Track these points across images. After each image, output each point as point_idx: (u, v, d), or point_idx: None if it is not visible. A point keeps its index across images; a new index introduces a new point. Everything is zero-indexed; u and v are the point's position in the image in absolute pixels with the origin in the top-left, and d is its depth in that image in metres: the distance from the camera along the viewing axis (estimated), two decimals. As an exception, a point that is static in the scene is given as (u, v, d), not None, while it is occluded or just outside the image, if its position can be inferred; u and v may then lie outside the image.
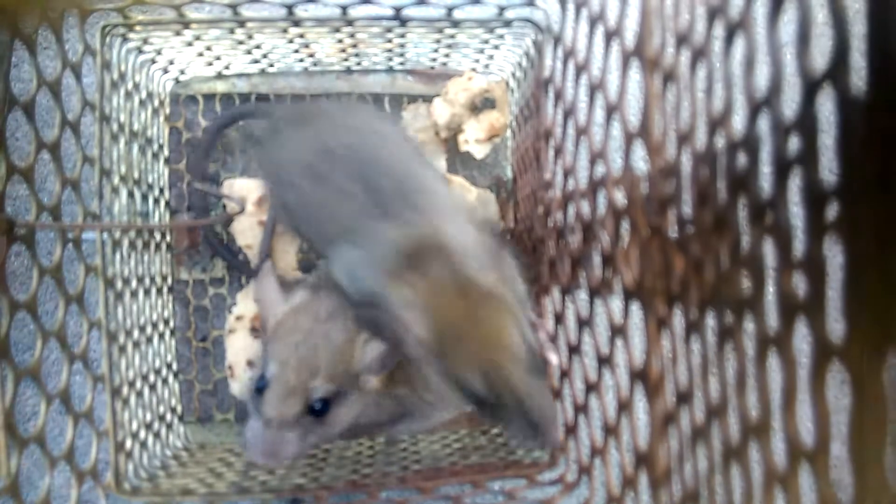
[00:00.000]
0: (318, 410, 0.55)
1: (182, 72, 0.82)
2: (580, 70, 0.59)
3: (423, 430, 0.72)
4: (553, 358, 0.64)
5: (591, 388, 0.58)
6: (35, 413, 0.53)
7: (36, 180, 0.54)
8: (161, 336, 0.78)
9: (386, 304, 0.52)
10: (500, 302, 0.51)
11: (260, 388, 0.56)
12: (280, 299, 0.61)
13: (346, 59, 0.82)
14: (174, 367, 0.82)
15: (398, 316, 0.51)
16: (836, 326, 0.29)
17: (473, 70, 0.84)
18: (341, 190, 0.58)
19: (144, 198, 0.75)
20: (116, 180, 0.68)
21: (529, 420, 0.49)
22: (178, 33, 0.71)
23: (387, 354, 0.56)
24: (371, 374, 0.57)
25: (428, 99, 0.84)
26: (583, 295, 0.58)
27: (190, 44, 0.74)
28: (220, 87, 0.84)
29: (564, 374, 0.65)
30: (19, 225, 0.51)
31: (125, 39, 0.71)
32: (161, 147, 0.82)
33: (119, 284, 0.68)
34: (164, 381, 0.78)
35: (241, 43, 0.75)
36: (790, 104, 0.32)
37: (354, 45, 0.78)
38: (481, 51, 0.80)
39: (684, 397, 0.43)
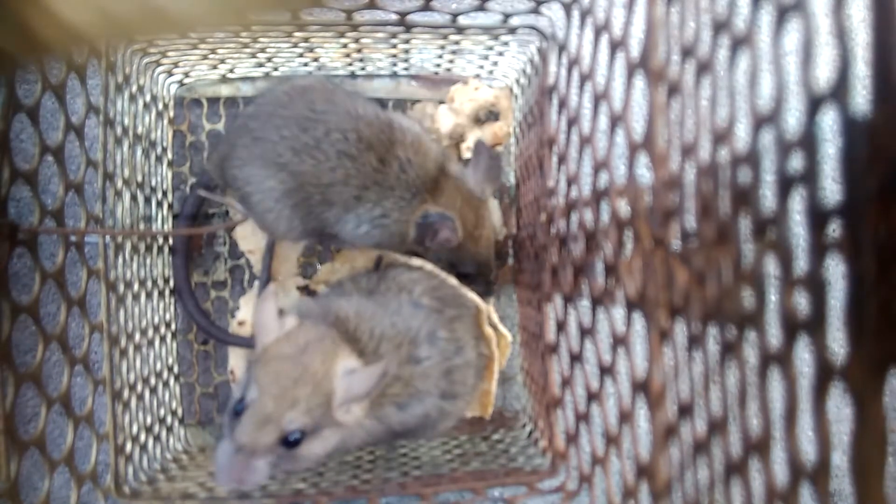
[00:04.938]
0: (291, 442, 0.55)
1: (187, 75, 0.82)
2: (584, 79, 0.59)
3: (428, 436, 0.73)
4: None
5: (592, 396, 0.58)
6: (36, 415, 0.53)
7: (39, 183, 0.54)
8: (162, 339, 0.78)
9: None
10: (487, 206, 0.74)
11: (238, 410, 0.56)
12: (276, 325, 0.61)
13: (350, 64, 0.82)
14: (175, 369, 0.82)
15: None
16: (838, 335, 0.28)
17: (477, 76, 0.84)
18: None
19: (147, 201, 0.75)
20: (120, 184, 0.68)
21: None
22: (183, 35, 0.71)
23: (366, 378, 0.57)
24: (354, 402, 0.58)
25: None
26: (585, 303, 0.58)
27: (195, 46, 0.74)
28: (225, 90, 0.85)
29: (566, 381, 0.65)
30: (23, 231, 0.51)
31: (130, 42, 0.71)
32: (165, 150, 0.82)
33: (121, 287, 0.68)
34: (165, 383, 0.78)
35: (245, 46, 0.75)
36: (794, 113, 0.32)
37: (359, 50, 0.78)
38: (485, 57, 0.80)
39: (686, 409, 0.43)
